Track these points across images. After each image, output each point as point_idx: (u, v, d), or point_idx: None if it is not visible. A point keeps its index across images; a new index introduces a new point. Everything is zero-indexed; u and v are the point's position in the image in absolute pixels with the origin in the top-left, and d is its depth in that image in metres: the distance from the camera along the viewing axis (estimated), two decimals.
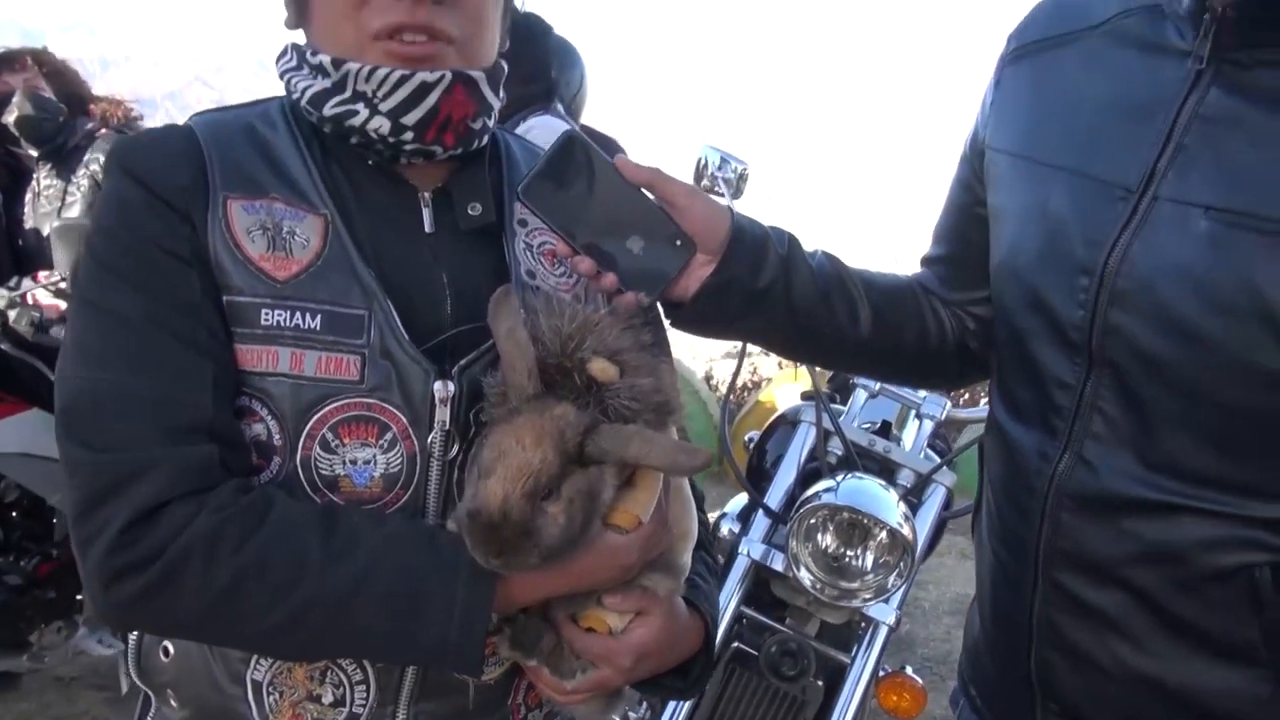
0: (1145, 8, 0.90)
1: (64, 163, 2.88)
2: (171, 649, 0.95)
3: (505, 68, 1.00)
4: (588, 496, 0.81)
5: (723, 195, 2.41)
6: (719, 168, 2.41)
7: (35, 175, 2.90)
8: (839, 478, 1.91)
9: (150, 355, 0.83)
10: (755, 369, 8.07)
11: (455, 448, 0.89)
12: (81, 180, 2.86)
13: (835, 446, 2.09)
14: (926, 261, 1.18)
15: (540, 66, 2.69)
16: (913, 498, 2.08)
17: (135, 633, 0.98)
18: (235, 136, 0.92)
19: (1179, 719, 0.88)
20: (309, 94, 0.92)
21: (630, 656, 0.91)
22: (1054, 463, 0.92)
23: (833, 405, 2.25)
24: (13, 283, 2.69)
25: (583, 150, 0.98)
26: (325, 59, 0.90)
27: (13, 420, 2.63)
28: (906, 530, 1.82)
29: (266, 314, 0.86)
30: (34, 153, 2.88)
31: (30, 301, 2.66)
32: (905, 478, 2.08)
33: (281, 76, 0.96)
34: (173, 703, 0.96)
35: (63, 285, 2.73)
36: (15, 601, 2.73)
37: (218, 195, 0.87)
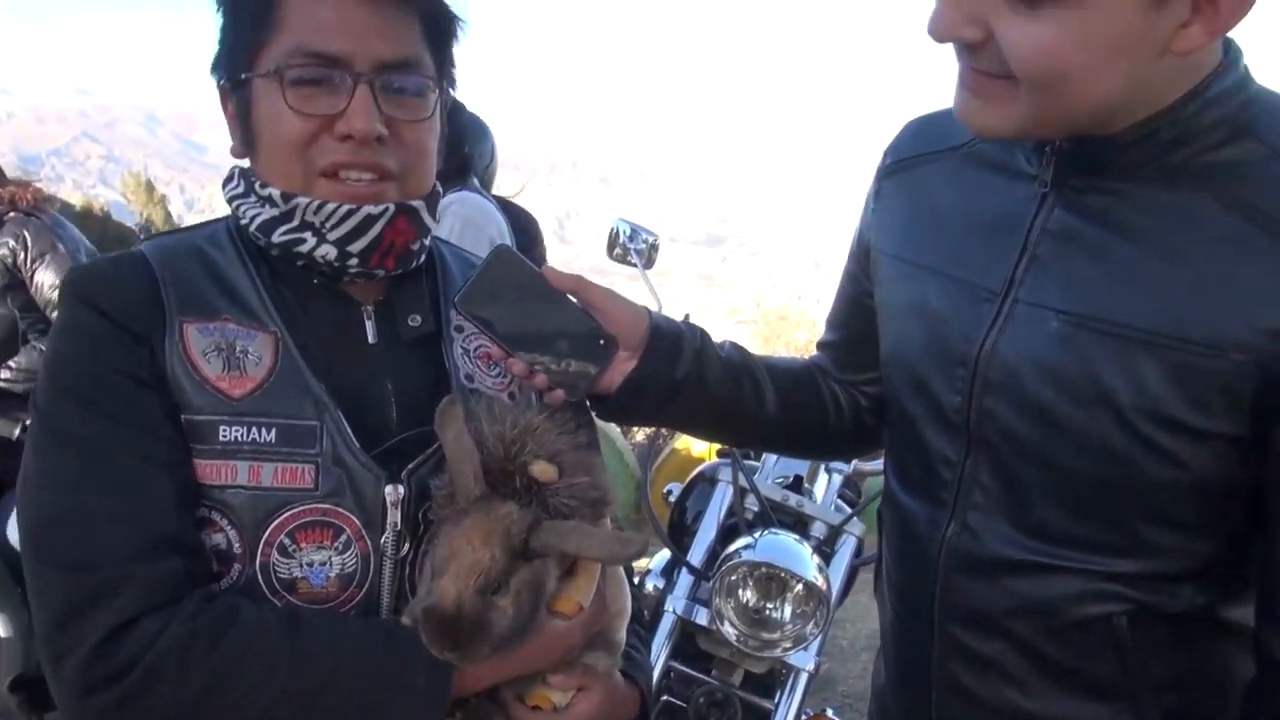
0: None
1: None
2: None
3: (441, 189, 1.09)
4: (533, 588, 0.89)
5: (635, 264, 2.53)
6: (630, 239, 2.54)
7: None
8: (756, 534, 2.02)
9: (114, 475, 0.89)
10: None
11: (406, 546, 0.96)
12: None
13: (752, 503, 2.20)
14: (821, 345, 1.30)
15: (454, 143, 2.79)
16: (826, 548, 2.20)
17: None
18: (186, 261, 0.98)
19: None
20: (257, 221, 0.99)
21: None
22: (943, 530, 1.04)
23: (747, 462, 2.37)
24: None
25: (513, 261, 1.08)
26: (275, 192, 0.97)
27: None
28: (821, 582, 1.94)
29: (224, 430, 0.92)
30: None
31: None
32: (818, 530, 2.20)
33: (230, 202, 1.03)
34: None
35: None
36: None
37: (174, 320, 0.94)
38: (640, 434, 7.17)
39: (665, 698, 2.15)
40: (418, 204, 1.02)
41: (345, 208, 0.97)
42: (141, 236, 3.54)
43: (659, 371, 1.10)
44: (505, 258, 1.08)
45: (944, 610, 1.05)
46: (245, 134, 1.01)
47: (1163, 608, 0.94)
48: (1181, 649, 0.96)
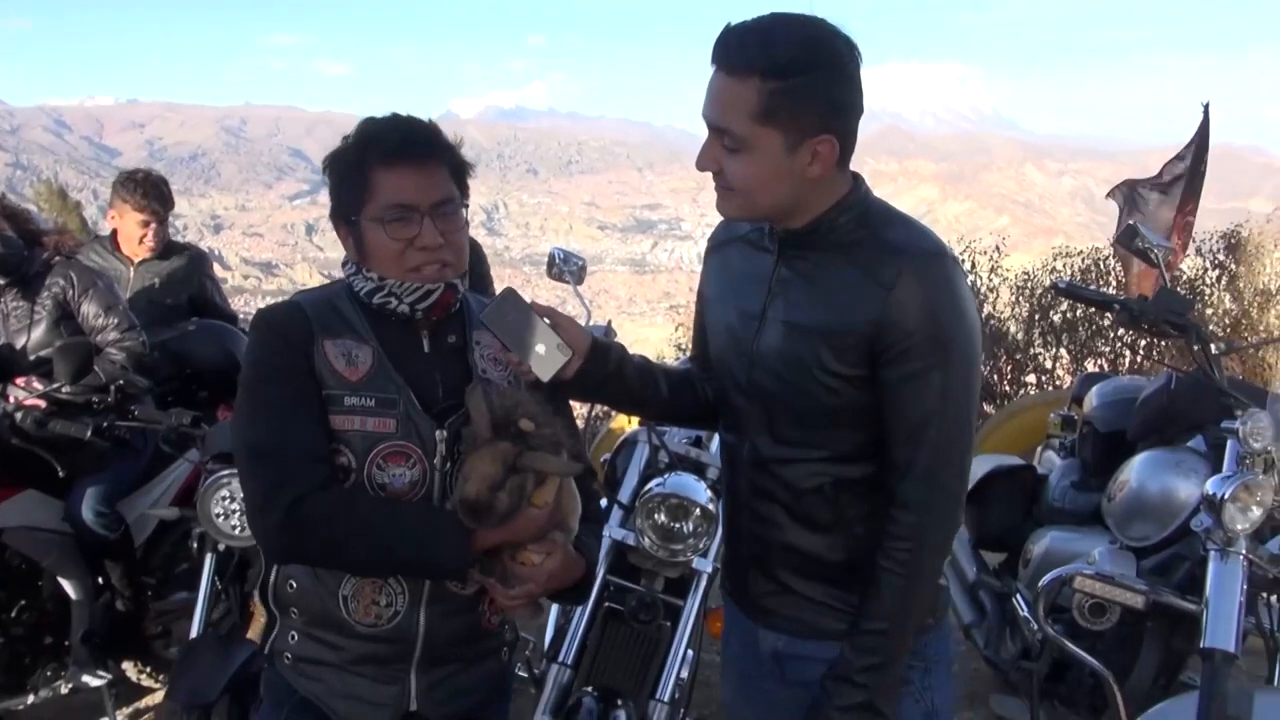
0: (755, 228, 1.80)
1: (27, 287, 3.43)
2: (295, 582, 1.65)
3: (467, 265, 1.79)
4: (519, 489, 1.50)
5: (569, 282, 3.30)
6: (564, 262, 3.31)
7: (3, 300, 3.47)
8: (666, 476, 2.81)
9: (289, 419, 1.56)
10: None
11: (448, 465, 1.61)
12: (45, 301, 3.44)
13: (664, 456, 2.99)
14: (690, 360, 2.08)
15: None
16: (718, 485, 2.98)
17: (273, 574, 1.67)
18: (322, 307, 1.67)
19: (808, 565, 1.77)
20: (364, 290, 1.67)
21: (545, 576, 1.58)
22: (743, 446, 1.81)
23: (660, 428, 3.16)
24: None
25: (514, 297, 1.74)
26: (375, 276, 1.65)
27: (15, 500, 3.25)
28: (712, 507, 2.72)
29: (347, 399, 1.59)
30: (1, 281, 3.47)
31: (13, 402, 3.26)
32: (712, 473, 2.97)
33: (347, 276, 1.71)
34: (293, 615, 1.65)
35: (39, 388, 3.33)
36: (19, 649, 3.32)
37: (319, 338, 1.62)
38: (580, 418, 7.94)
39: (607, 604, 2.90)
40: (456, 281, 1.69)
41: (415, 285, 1.64)
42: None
43: (597, 369, 1.80)
44: (510, 295, 1.72)
45: (748, 492, 1.82)
46: (359, 249, 1.65)
47: (848, 476, 1.72)
48: (863, 499, 1.73)
